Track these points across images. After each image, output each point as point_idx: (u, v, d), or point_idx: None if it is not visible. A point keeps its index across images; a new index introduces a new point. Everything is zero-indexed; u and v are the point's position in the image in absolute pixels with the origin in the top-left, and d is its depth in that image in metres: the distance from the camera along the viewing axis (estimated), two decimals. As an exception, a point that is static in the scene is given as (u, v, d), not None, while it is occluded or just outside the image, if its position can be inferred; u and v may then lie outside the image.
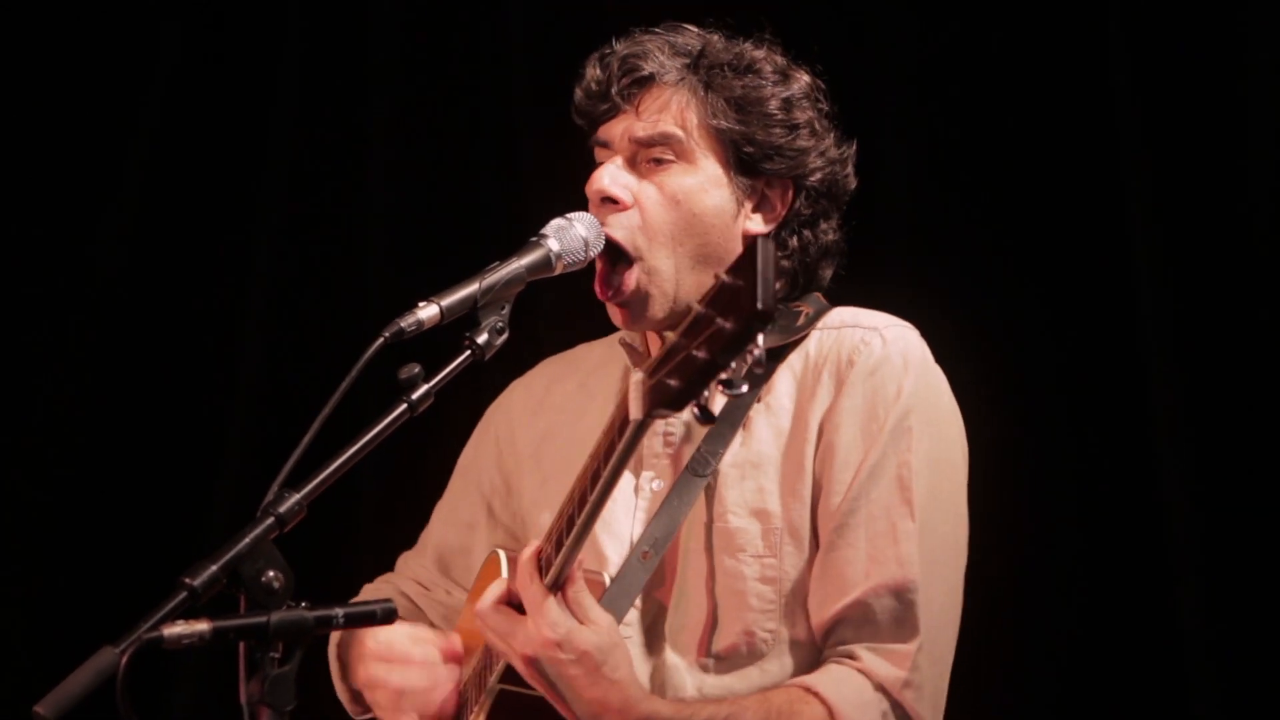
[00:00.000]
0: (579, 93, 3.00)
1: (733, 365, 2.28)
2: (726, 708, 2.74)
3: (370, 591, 3.30)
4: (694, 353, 2.29)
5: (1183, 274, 4.09)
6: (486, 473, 3.22)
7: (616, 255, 2.91)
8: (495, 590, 2.74)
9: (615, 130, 2.95)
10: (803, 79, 2.99)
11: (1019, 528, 3.98)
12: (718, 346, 2.26)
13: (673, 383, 2.31)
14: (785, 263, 2.96)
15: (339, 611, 2.38)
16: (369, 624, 2.46)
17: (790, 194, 2.96)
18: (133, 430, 4.70)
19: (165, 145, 4.72)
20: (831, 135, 3.00)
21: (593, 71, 2.98)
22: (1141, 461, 4.13)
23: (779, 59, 2.99)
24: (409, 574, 3.30)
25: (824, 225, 2.99)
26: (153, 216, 4.72)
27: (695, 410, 2.32)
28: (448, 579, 3.25)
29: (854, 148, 3.03)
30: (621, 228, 2.90)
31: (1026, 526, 4.04)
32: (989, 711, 3.84)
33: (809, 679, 2.77)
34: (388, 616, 2.44)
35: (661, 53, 2.93)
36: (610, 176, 2.91)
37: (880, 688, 2.76)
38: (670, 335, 2.37)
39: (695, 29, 2.99)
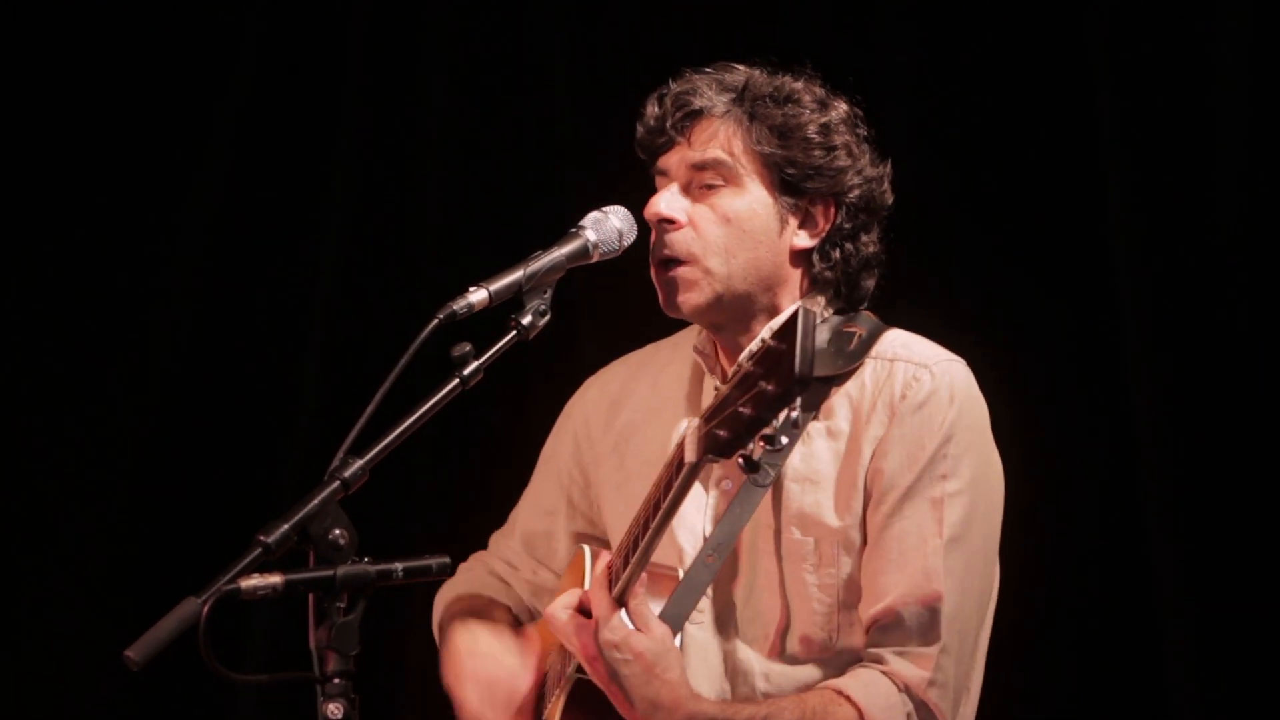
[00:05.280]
0: (640, 129, 3.15)
1: (774, 423, 2.49)
2: (766, 708, 2.94)
3: (463, 569, 3.43)
4: (740, 409, 2.50)
5: (1160, 271, 4.15)
6: (565, 466, 3.37)
7: (673, 264, 3.06)
8: (568, 599, 2.95)
9: (671, 160, 3.10)
10: (841, 107, 3.13)
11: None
12: (762, 405, 2.48)
13: (722, 434, 2.55)
14: (829, 274, 3.11)
15: (399, 566, 2.51)
16: (425, 578, 2.56)
17: (832, 210, 3.09)
18: (215, 405, 4.80)
19: (245, 135, 4.80)
20: (868, 155, 3.13)
21: (651, 109, 3.12)
22: (1123, 457, 4.19)
23: (818, 90, 3.13)
24: (499, 554, 3.46)
25: (865, 238, 3.13)
26: (232, 209, 4.80)
27: (740, 460, 2.55)
28: (533, 559, 3.42)
29: (889, 166, 3.17)
30: (678, 241, 3.06)
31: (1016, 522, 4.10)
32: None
33: (840, 682, 2.95)
34: (442, 570, 2.55)
35: (710, 89, 3.07)
36: (665, 201, 3.07)
37: (906, 689, 2.93)
38: (723, 388, 2.57)
39: (742, 67, 3.12)
